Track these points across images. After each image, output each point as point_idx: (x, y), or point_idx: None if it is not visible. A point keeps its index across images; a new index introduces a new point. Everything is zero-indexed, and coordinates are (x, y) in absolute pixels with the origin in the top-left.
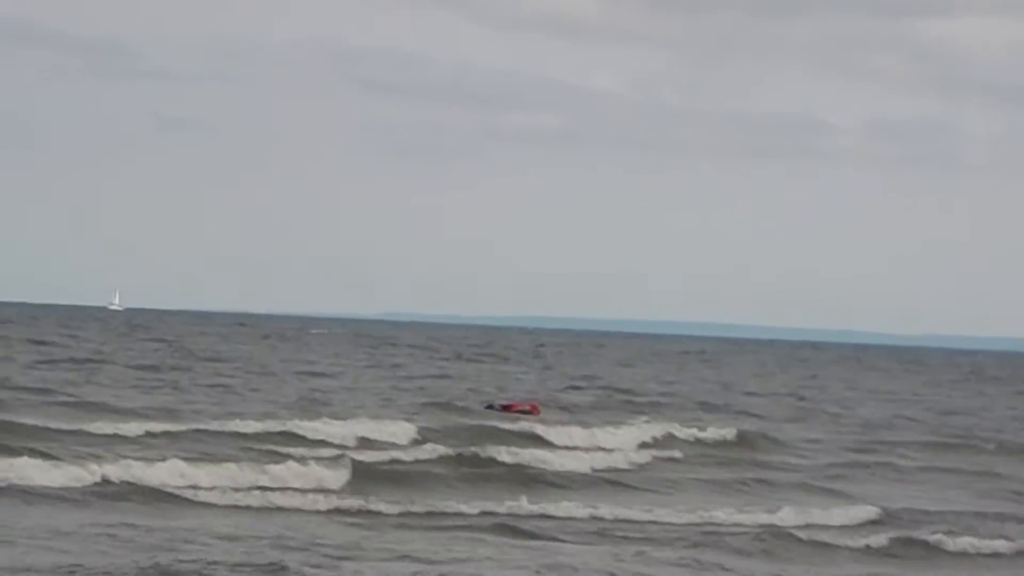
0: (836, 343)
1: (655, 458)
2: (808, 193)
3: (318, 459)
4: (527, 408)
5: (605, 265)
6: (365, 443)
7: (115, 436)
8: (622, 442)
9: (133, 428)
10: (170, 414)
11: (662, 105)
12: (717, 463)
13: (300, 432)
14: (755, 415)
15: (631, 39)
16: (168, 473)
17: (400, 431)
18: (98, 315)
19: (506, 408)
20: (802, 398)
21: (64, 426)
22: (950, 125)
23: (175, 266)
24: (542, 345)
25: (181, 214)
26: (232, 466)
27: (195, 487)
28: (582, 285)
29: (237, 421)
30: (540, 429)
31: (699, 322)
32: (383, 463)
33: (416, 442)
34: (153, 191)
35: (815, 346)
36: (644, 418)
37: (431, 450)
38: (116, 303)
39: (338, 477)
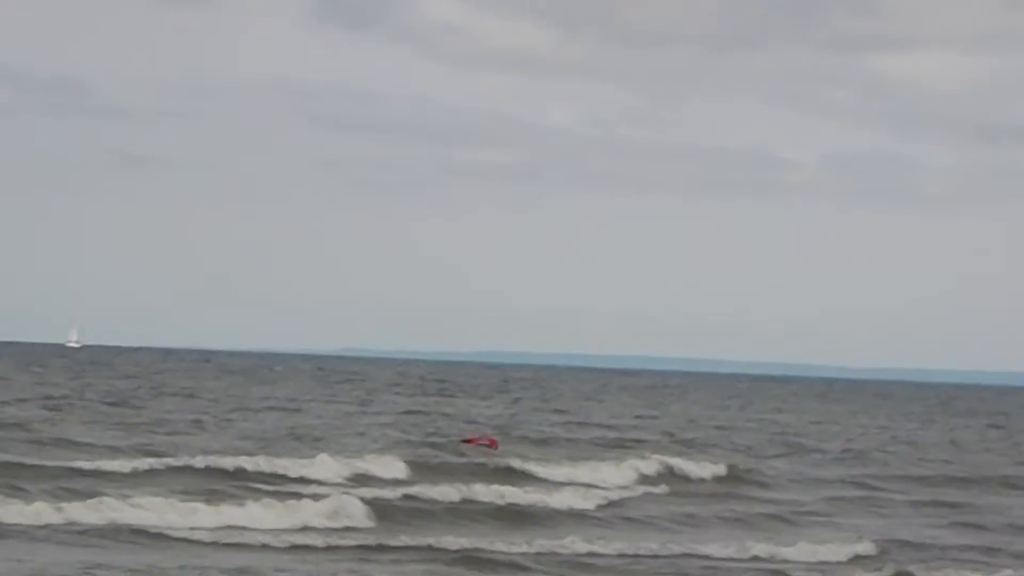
0: (798, 376)
1: (647, 493)
2: (765, 227)
3: (303, 496)
4: (486, 442)
5: (565, 300)
6: (355, 480)
7: (97, 472)
8: (614, 477)
9: (115, 465)
10: (149, 451)
11: (620, 140)
12: (708, 498)
13: (284, 469)
14: (732, 449)
15: (588, 75)
16: (149, 511)
17: (390, 467)
18: (59, 352)
19: (466, 442)
20: (778, 432)
21: (43, 463)
22: (906, 159)
23: (132, 303)
24: (506, 380)
25: (138, 251)
26: (216, 503)
27: (177, 525)
28: (542, 320)
29: (218, 457)
30: (530, 465)
31: (658, 356)
32: (371, 500)
33: (407, 478)
34: (111, 228)
35: (776, 380)
36: (637, 453)
37: (422, 486)
38: (75, 340)
39: (320, 513)
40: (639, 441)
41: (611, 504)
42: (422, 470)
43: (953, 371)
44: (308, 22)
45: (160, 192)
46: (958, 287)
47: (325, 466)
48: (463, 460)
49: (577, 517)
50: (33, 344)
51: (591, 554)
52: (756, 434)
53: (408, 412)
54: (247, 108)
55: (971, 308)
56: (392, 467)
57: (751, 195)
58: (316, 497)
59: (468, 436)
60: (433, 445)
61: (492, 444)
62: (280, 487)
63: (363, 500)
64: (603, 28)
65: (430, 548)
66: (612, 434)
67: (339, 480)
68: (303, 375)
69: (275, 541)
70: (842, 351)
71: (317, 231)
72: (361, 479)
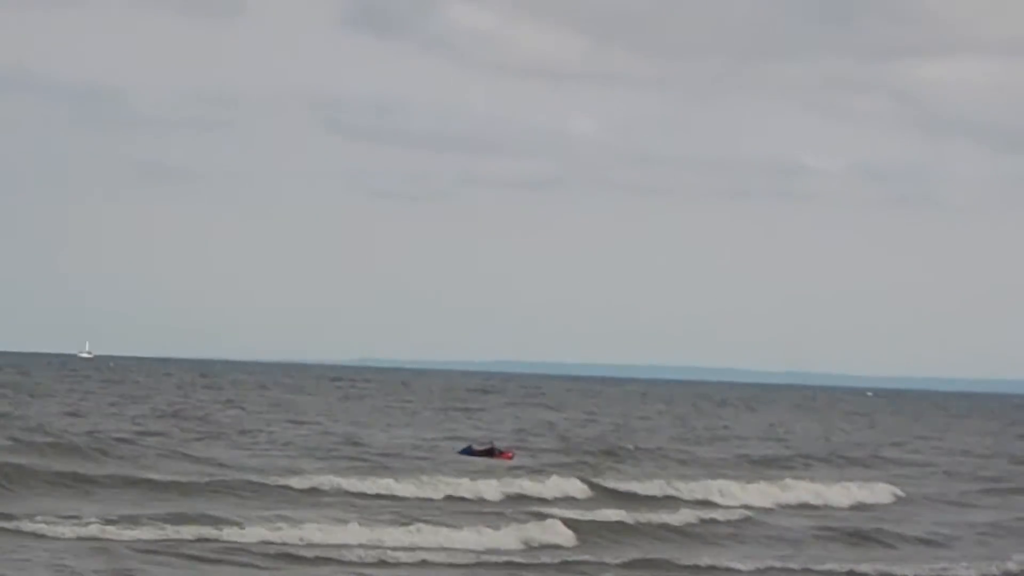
0: (817, 386)
1: (863, 515)
2: (792, 235)
3: (504, 516)
4: (503, 452)
5: (587, 310)
6: (541, 500)
7: (289, 491)
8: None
9: (299, 483)
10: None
11: (646, 149)
12: (896, 522)
13: (470, 490)
14: (872, 466)
15: (617, 84)
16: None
17: (570, 488)
18: (79, 364)
19: (486, 454)
20: (895, 447)
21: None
22: (934, 167)
23: (145, 313)
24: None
25: (155, 260)
26: (419, 525)
27: (392, 545)
28: (563, 330)
29: (390, 482)
30: (715, 486)
31: (683, 365)
32: (572, 520)
33: (593, 499)
34: (131, 237)
35: (797, 388)
36: (785, 472)
37: (607, 507)
38: (87, 351)
39: (527, 533)
40: (769, 459)
41: (832, 526)
42: (599, 488)
43: (975, 380)
44: (338, 31)
45: (182, 201)
46: (985, 295)
47: (505, 485)
48: (638, 480)
49: (799, 538)
50: (44, 355)
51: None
52: (878, 450)
53: (519, 429)
54: (272, 118)
55: (998, 316)
56: (581, 488)
57: (778, 203)
58: (517, 518)
59: (484, 447)
60: (591, 465)
61: (508, 456)
62: (470, 508)
63: (563, 520)
64: (633, 38)
65: (634, 565)
66: (736, 450)
67: (527, 499)
68: (363, 387)
69: (492, 560)
70: (864, 360)
71: (335, 242)
72: (547, 500)
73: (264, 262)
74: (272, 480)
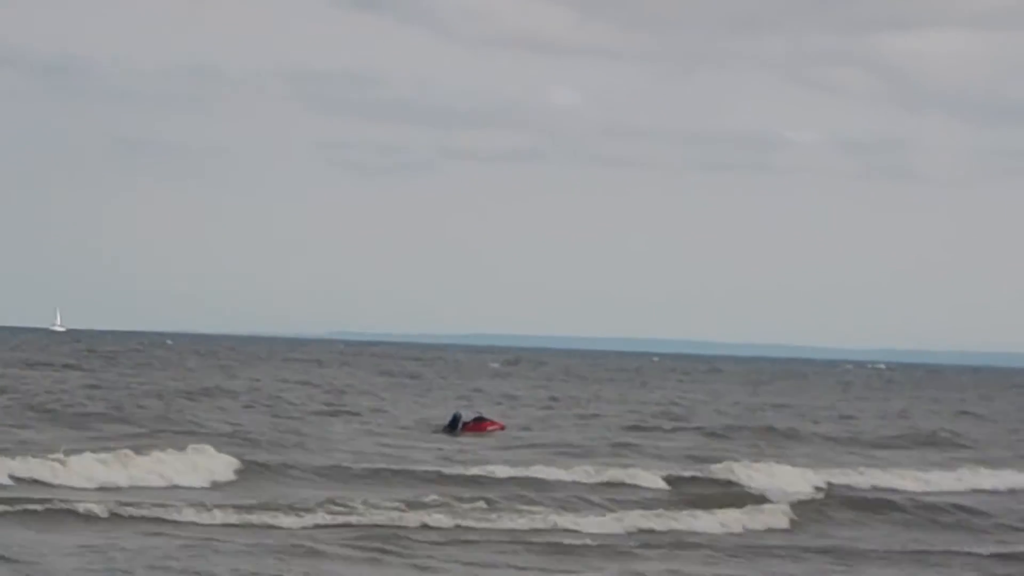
0: (799, 359)
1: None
2: (771, 209)
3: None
4: (493, 422)
5: (568, 283)
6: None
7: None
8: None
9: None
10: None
11: (628, 122)
12: None
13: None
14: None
15: (598, 56)
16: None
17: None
18: (57, 338)
19: (476, 423)
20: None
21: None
22: (912, 139)
23: (120, 286)
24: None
25: (129, 233)
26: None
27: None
28: (541, 303)
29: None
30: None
31: (658, 339)
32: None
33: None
34: (105, 212)
35: (779, 361)
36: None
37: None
38: (59, 324)
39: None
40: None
41: None
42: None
43: (955, 352)
44: (317, 4)
45: (157, 175)
46: (964, 268)
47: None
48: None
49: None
50: (15, 328)
51: None
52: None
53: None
54: (250, 91)
55: (978, 289)
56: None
57: (758, 176)
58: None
59: (475, 418)
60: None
61: (499, 426)
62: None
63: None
64: (617, 10)
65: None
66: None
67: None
68: (372, 360)
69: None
70: (842, 333)
71: (312, 213)
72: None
73: (237, 235)
74: (474, 470)
